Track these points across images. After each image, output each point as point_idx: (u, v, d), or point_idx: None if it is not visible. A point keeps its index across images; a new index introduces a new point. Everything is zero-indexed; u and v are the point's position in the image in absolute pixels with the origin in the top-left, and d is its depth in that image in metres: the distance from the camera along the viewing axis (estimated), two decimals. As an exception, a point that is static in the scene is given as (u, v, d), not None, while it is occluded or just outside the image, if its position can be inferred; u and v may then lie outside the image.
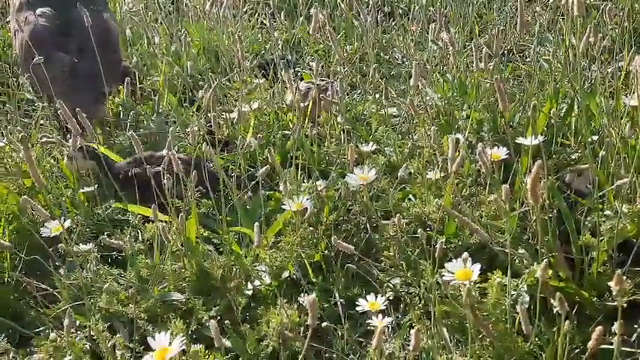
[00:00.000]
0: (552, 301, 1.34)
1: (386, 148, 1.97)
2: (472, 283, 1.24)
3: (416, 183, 1.77)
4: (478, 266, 1.24)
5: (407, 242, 1.59)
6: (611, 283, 1.07)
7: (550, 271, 1.44)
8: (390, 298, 1.53)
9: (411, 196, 1.79)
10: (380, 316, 1.24)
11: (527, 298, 1.30)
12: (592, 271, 1.45)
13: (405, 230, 1.58)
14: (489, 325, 1.27)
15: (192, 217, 1.54)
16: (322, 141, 2.06)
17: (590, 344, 1.09)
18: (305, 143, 2.00)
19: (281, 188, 1.60)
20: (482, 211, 1.61)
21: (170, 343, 1.07)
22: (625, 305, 1.36)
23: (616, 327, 1.06)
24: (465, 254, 1.31)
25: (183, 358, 1.30)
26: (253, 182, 1.74)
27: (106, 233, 1.64)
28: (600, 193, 1.51)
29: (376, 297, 1.32)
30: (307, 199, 1.56)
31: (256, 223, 1.41)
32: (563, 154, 1.82)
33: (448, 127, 1.97)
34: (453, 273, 1.25)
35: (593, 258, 1.45)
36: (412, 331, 1.09)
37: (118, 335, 1.37)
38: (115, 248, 1.63)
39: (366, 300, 1.32)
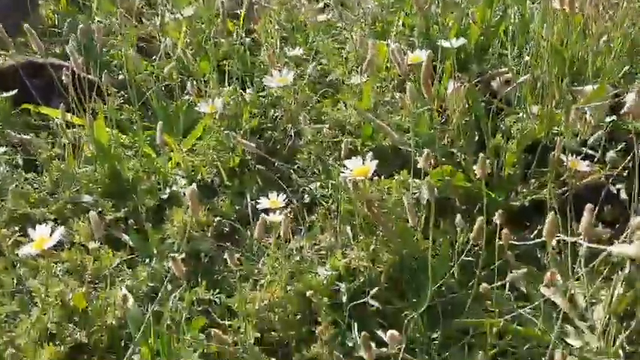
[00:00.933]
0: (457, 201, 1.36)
1: (319, 55, 1.92)
2: (369, 179, 1.23)
3: (342, 89, 1.74)
4: (375, 162, 1.24)
5: (327, 147, 1.58)
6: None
7: (460, 175, 1.45)
8: (306, 200, 1.54)
9: (342, 101, 1.76)
10: (277, 212, 1.24)
11: (426, 195, 1.30)
12: (503, 174, 1.45)
13: (324, 135, 1.56)
14: (388, 222, 1.27)
15: (100, 118, 1.51)
16: (259, 48, 2.01)
17: (472, 235, 1.10)
18: (238, 50, 1.95)
19: (188, 88, 1.55)
20: (403, 116, 1.59)
21: (51, 235, 1.05)
22: (527, 204, 1.38)
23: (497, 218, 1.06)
24: (370, 153, 1.30)
25: (87, 255, 1.30)
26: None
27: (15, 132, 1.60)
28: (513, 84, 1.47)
29: (278, 195, 1.31)
30: (220, 102, 1.53)
31: (160, 122, 1.38)
32: (493, 60, 1.79)
33: (383, 34, 1.93)
34: (351, 170, 1.24)
35: (505, 160, 1.45)
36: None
37: (18, 235, 1.35)
38: (31, 152, 1.61)
39: (268, 198, 1.31)
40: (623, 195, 1.39)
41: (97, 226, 1.07)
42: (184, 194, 1.35)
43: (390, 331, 0.92)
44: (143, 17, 2.29)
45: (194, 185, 1.00)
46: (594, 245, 0.95)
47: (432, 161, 1.36)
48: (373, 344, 0.95)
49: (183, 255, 1.19)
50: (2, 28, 1.61)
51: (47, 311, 1.15)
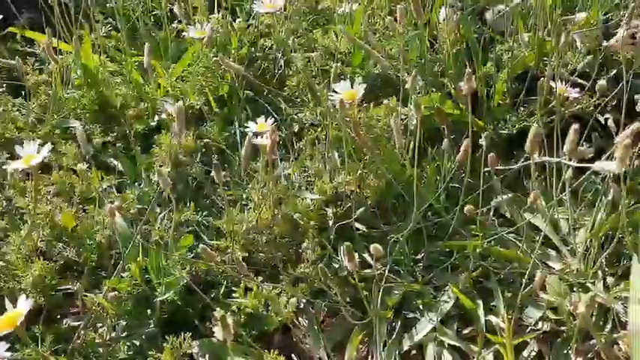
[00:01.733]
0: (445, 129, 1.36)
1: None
2: (357, 104, 1.23)
3: (333, 18, 1.72)
4: (363, 86, 1.23)
5: (316, 74, 1.56)
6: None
7: (449, 102, 1.44)
8: (295, 130, 1.54)
9: (333, 31, 1.73)
10: (265, 136, 1.24)
11: (415, 121, 1.30)
12: (492, 103, 1.45)
13: (313, 61, 1.55)
14: (376, 147, 1.28)
15: (87, 43, 1.49)
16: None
17: (458, 157, 1.11)
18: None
19: (176, 11, 1.53)
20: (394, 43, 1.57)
21: (38, 152, 1.05)
22: (515, 132, 1.39)
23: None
24: (360, 78, 1.29)
25: (80, 181, 1.31)
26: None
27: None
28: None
29: (266, 120, 1.31)
30: (208, 26, 1.51)
31: (147, 44, 1.36)
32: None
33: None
34: (339, 93, 1.24)
35: (496, 89, 1.44)
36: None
37: (6, 157, 1.35)
38: (20, 80, 1.59)
39: (256, 123, 1.31)
40: (611, 123, 1.39)
41: (83, 142, 1.07)
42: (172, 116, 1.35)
43: (373, 245, 0.93)
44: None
45: (180, 103, 1.00)
46: (578, 164, 0.96)
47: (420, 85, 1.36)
48: (359, 268, 0.98)
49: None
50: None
51: (37, 229, 1.16)
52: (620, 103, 1.29)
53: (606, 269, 1.15)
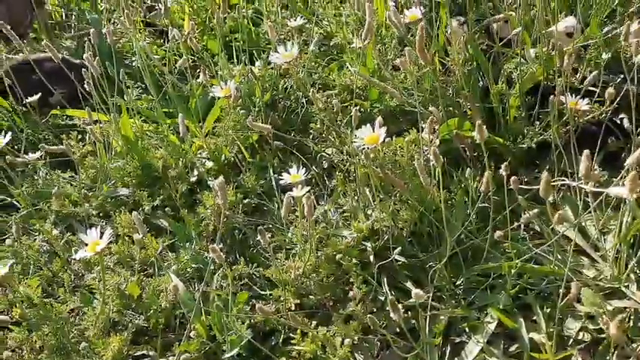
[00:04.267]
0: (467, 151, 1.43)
1: (322, 20, 1.97)
2: (380, 146, 1.31)
3: (346, 52, 1.80)
4: (384, 130, 1.31)
5: (338, 112, 1.65)
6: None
7: (467, 123, 1.52)
8: (325, 166, 1.63)
9: (348, 64, 1.82)
10: (300, 187, 1.33)
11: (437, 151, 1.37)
12: (508, 118, 1.52)
13: (332, 101, 1.63)
14: (402, 181, 1.36)
15: (124, 113, 1.60)
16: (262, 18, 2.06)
17: (481, 188, 1.18)
18: (242, 24, 2.01)
19: (200, 78, 1.63)
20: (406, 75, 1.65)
21: (101, 237, 1.16)
22: (534, 146, 1.45)
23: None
24: (379, 119, 1.37)
25: (133, 245, 1.42)
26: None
27: (45, 141, 1.70)
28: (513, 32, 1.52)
29: (298, 170, 1.40)
30: (233, 83, 1.61)
31: (180, 115, 1.47)
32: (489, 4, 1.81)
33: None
34: (362, 139, 1.32)
35: (510, 105, 1.51)
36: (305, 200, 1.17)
37: (67, 234, 1.47)
38: (66, 154, 1.71)
39: (289, 173, 1.40)
40: (627, 123, 1.44)
41: (140, 224, 1.17)
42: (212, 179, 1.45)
43: (414, 290, 1.02)
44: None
45: (221, 178, 1.09)
46: (593, 188, 1.02)
47: (437, 119, 1.44)
48: (404, 297, 1.06)
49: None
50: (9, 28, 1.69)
51: (107, 302, 1.27)
52: (632, 104, 1.34)
53: (638, 272, 1.21)
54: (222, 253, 1.08)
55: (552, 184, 1.24)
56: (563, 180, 1.15)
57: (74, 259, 1.44)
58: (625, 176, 0.94)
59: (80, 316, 1.30)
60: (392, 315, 0.95)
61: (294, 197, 1.28)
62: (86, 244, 1.16)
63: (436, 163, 1.13)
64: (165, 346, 1.26)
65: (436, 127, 1.30)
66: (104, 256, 1.40)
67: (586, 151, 1.04)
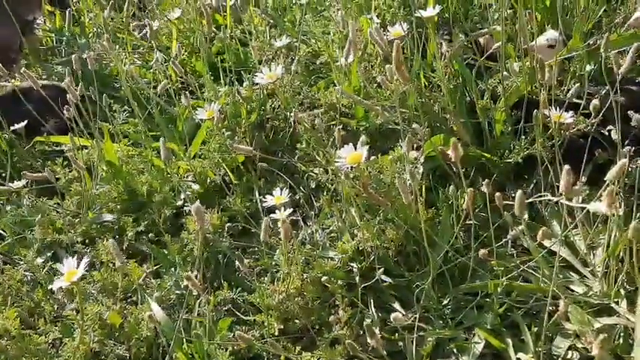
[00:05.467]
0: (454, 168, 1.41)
1: (309, 38, 1.97)
2: (363, 165, 1.30)
3: (333, 68, 1.79)
4: (366, 148, 1.29)
5: (322, 131, 1.63)
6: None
7: (453, 140, 1.49)
8: (312, 186, 1.61)
9: (335, 82, 1.80)
10: (282, 208, 1.31)
11: (421, 169, 1.36)
12: (495, 133, 1.50)
13: (318, 123, 1.62)
14: (387, 200, 1.34)
15: (107, 139, 1.59)
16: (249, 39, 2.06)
17: (464, 206, 1.16)
18: (230, 45, 2.01)
19: (183, 101, 1.62)
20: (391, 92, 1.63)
21: (77, 266, 1.14)
22: (521, 160, 1.43)
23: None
24: (362, 138, 1.36)
25: (115, 273, 1.40)
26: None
27: (31, 169, 1.69)
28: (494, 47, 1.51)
29: (281, 192, 1.38)
30: (216, 105, 1.59)
31: (161, 139, 1.45)
32: (477, 16, 1.80)
33: (365, 6, 1.95)
34: (345, 158, 1.30)
35: (495, 119, 1.49)
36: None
37: (51, 262, 1.46)
38: (50, 181, 1.70)
39: (272, 195, 1.39)
40: (614, 135, 1.42)
41: (117, 252, 1.15)
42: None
43: (393, 314, 0.99)
44: (132, 24, 2.36)
45: (198, 203, 1.08)
46: (573, 204, 1.00)
47: (421, 135, 1.42)
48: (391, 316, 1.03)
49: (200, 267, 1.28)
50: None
51: (88, 332, 1.25)
52: (618, 116, 1.32)
53: (627, 287, 1.18)
54: (199, 281, 1.06)
55: (531, 200, 1.23)
56: (545, 196, 1.12)
57: (58, 289, 1.41)
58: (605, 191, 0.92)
59: (60, 347, 1.27)
60: (369, 340, 0.93)
61: (275, 219, 1.26)
62: (62, 274, 1.14)
63: (412, 181, 1.11)
64: (146, 376, 1.23)
65: (420, 144, 1.28)
66: (87, 284, 1.39)
67: (566, 167, 1.01)
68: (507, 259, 1.27)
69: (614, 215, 1.19)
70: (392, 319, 0.99)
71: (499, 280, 1.20)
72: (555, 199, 1.07)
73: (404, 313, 1.22)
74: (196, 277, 1.14)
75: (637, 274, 1.05)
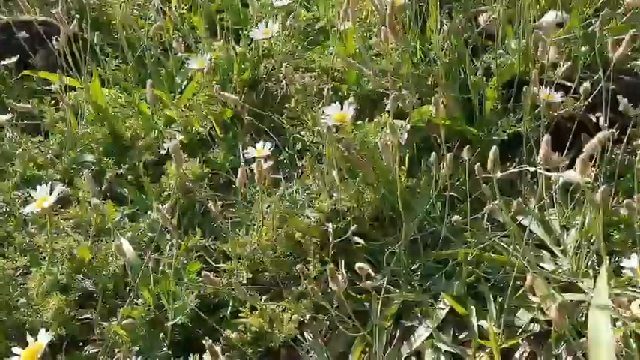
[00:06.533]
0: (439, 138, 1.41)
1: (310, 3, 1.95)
2: (349, 127, 1.29)
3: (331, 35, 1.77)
4: (352, 108, 1.29)
5: (315, 93, 1.62)
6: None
7: (442, 111, 1.49)
8: (298, 148, 1.61)
9: (331, 47, 1.79)
10: (263, 160, 1.30)
11: (406, 136, 1.35)
12: (484, 109, 1.49)
13: (310, 83, 1.61)
14: (369, 164, 1.33)
15: (95, 80, 1.58)
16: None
17: (442, 172, 1.15)
18: (230, 3, 1.99)
19: (174, 45, 1.60)
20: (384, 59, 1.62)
21: (50, 193, 1.14)
22: (506, 138, 1.43)
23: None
24: (351, 99, 1.35)
25: (90, 211, 1.39)
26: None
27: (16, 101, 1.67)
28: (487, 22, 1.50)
29: (264, 145, 1.38)
30: (208, 55, 1.58)
31: (148, 80, 1.44)
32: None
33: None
34: (330, 116, 1.30)
35: (486, 97, 1.49)
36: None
37: (27, 196, 1.45)
38: (38, 118, 1.69)
39: (255, 148, 1.38)
40: (602, 122, 1.42)
41: (91, 184, 1.15)
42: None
43: (358, 264, 0.99)
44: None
45: (176, 140, 1.07)
46: (550, 173, 1.00)
47: (412, 101, 1.41)
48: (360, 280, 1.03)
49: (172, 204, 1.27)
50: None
51: (57, 264, 1.25)
52: (607, 101, 1.32)
53: (596, 267, 1.18)
54: (169, 217, 1.06)
55: (512, 171, 1.23)
56: (525, 167, 1.12)
57: (31, 221, 1.41)
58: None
59: (29, 275, 1.27)
60: (331, 284, 0.93)
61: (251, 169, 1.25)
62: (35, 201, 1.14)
63: (392, 136, 1.10)
64: (111, 310, 1.23)
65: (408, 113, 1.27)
66: (61, 221, 1.38)
67: (546, 136, 1.01)
68: (482, 232, 1.27)
69: (588, 188, 1.19)
70: (357, 268, 0.99)
71: (469, 250, 1.20)
72: (532, 169, 1.07)
73: (372, 273, 1.22)
74: (171, 219, 1.13)
75: (604, 252, 1.05)
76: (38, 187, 1.15)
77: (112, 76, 1.75)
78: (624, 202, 1.04)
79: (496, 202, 1.23)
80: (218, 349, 0.88)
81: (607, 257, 1.08)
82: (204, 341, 0.90)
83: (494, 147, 0.94)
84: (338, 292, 0.94)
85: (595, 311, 0.81)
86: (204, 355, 1.06)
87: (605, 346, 0.75)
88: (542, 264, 1.23)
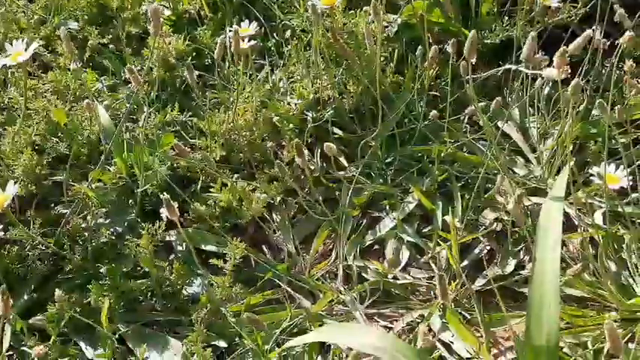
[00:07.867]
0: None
1: None
2: (338, 12, 1.26)
3: None
4: (342, -8, 1.25)
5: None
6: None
7: (437, 11, 1.45)
8: (287, 35, 1.57)
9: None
10: (247, 39, 1.28)
11: (396, 28, 1.32)
12: (480, 12, 1.45)
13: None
14: (355, 54, 1.31)
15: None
16: None
17: (426, 64, 1.14)
18: None
19: None
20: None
21: (26, 49, 1.11)
22: (499, 42, 1.40)
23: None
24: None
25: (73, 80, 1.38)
26: None
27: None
28: None
29: (250, 24, 1.34)
30: None
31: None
32: None
33: None
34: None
35: (483, -1, 1.44)
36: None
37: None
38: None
39: (240, 26, 1.34)
40: (597, 36, 1.38)
41: (67, 43, 1.12)
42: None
43: (326, 143, 0.99)
44: None
45: (155, 4, 1.04)
46: (532, 71, 0.98)
47: None
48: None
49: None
50: None
51: (32, 124, 1.24)
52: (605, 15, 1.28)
53: (569, 177, 1.18)
54: (140, 78, 1.04)
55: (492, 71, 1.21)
56: (507, 67, 1.10)
57: (11, 83, 1.39)
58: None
59: (4, 134, 1.26)
60: (296, 159, 0.93)
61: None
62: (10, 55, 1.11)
63: (375, 18, 1.07)
64: (84, 175, 1.23)
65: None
66: (40, 82, 1.36)
67: (532, 33, 0.99)
68: (460, 133, 1.27)
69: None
70: (325, 147, 0.98)
71: (443, 147, 1.20)
72: (514, 67, 1.05)
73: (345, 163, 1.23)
74: (148, 88, 1.11)
75: (569, 160, 1.05)
76: (14, 42, 1.13)
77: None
78: (596, 101, 1.02)
79: (476, 101, 1.22)
80: (176, 204, 0.89)
81: (573, 159, 1.08)
82: (161, 195, 0.90)
83: (472, 32, 0.92)
84: (302, 166, 0.94)
85: (549, 202, 0.82)
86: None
87: (553, 233, 0.76)
88: (515, 168, 1.23)
